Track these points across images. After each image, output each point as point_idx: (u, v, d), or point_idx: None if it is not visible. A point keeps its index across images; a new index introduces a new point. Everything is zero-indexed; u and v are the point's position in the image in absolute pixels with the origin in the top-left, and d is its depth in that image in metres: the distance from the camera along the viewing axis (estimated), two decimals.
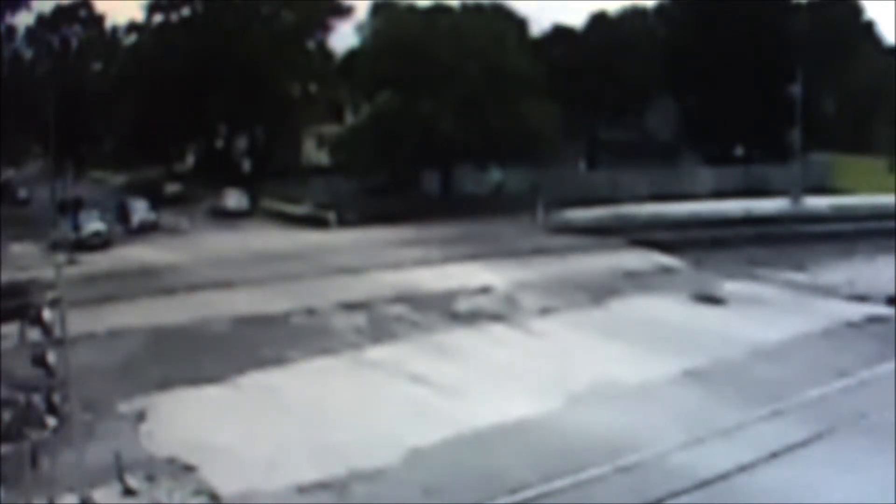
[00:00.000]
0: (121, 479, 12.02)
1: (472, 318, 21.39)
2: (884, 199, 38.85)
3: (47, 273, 17.28)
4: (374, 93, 42.86)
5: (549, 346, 19.47)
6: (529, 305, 22.60)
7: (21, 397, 14.25)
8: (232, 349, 18.49)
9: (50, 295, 11.12)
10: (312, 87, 56.68)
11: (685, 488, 11.87)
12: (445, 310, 21.83)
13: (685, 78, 51.30)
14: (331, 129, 52.31)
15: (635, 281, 25.79)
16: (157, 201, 42.48)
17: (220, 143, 58.63)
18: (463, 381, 16.61)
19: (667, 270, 27.57)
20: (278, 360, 17.64)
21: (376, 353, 18.46)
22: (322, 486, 12.14)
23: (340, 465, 12.64)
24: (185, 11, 54.99)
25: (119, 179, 56.95)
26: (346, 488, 12.09)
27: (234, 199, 42.99)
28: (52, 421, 12.41)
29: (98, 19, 64.92)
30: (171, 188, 49.22)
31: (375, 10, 54.72)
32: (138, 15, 57.45)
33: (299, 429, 14.22)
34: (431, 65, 39.33)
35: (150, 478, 12.34)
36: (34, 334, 11.62)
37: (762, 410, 14.89)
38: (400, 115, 38.41)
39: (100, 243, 33.00)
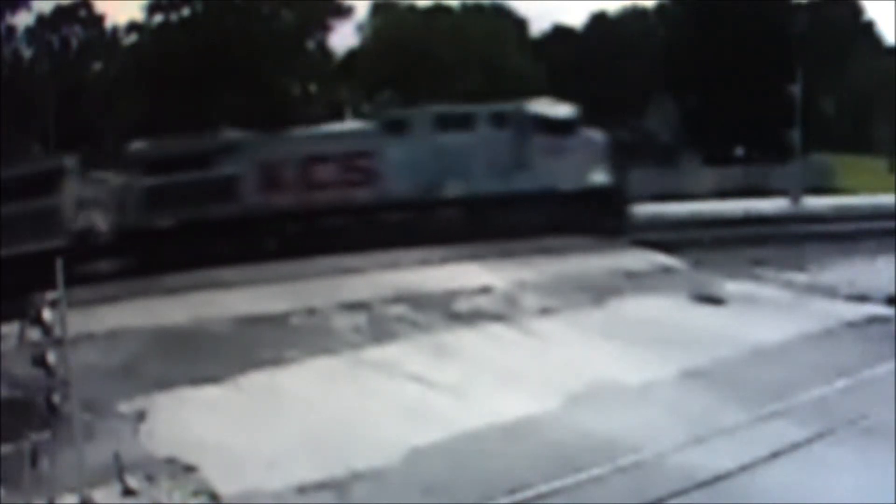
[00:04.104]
0: (121, 478, 12.00)
1: (471, 318, 21.38)
2: (884, 199, 38.90)
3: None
4: (374, 93, 42.99)
5: (548, 345, 19.47)
6: (529, 305, 22.60)
7: (21, 397, 14.29)
8: (231, 349, 18.48)
9: (50, 295, 11.09)
10: (312, 87, 56.80)
11: (685, 488, 11.86)
12: (445, 310, 21.81)
13: (685, 78, 51.43)
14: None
15: (635, 281, 25.79)
16: None
17: None
18: (462, 380, 16.62)
19: (667, 270, 27.56)
20: (278, 360, 17.63)
21: (376, 352, 18.45)
22: (322, 485, 12.12)
23: (340, 464, 12.63)
24: (185, 11, 55.06)
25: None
26: (346, 488, 12.08)
27: None
28: (52, 421, 12.39)
29: (98, 19, 65.10)
30: None
31: (375, 10, 54.90)
32: (138, 15, 57.58)
33: (299, 429, 14.21)
34: (431, 65, 39.45)
35: (150, 478, 12.32)
36: (34, 334, 11.60)
37: (762, 410, 14.89)
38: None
39: None
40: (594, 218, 28.65)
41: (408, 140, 27.82)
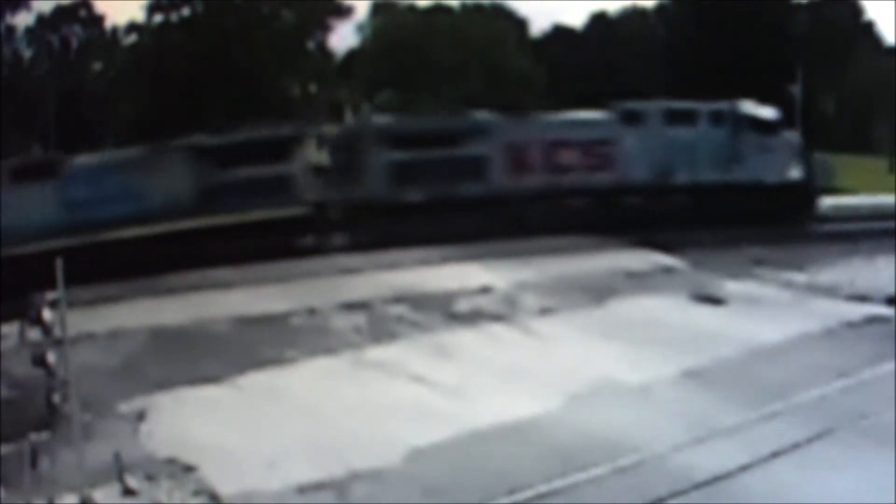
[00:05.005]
0: (121, 478, 12.01)
1: (471, 318, 21.38)
2: (884, 199, 38.86)
3: None
4: (374, 93, 43.00)
5: (548, 345, 19.47)
6: (529, 305, 22.59)
7: (21, 397, 14.31)
8: (231, 349, 18.48)
9: (50, 295, 11.10)
10: (312, 87, 56.79)
11: (686, 488, 11.87)
12: (445, 310, 21.81)
13: (685, 78, 51.35)
14: (331, 130, 52.35)
15: (635, 281, 25.77)
16: None
17: None
18: (463, 381, 16.62)
19: (667, 270, 27.53)
20: (278, 360, 17.64)
21: (376, 353, 18.46)
22: (322, 485, 12.13)
23: (340, 464, 12.63)
24: (185, 12, 55.07)
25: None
26: (346, 488, 12.09)
27: None
28: (51, 421, 12.42)
29: (98, 19, 65.10)
30: None
31: (375, 10, 54.90)
32: (138, 15, 57.56)
33: (299, 429, 14.21)
34: (431, 65, 39.46)
35: (150, 478, 12.33)
36: (34, 334, 11.62)
37: (762, 410, 14.89)
38: (399, 114, 38.59)
39: None
40: (790, 209, 32.00)
41: (642, 131, 30.57)
